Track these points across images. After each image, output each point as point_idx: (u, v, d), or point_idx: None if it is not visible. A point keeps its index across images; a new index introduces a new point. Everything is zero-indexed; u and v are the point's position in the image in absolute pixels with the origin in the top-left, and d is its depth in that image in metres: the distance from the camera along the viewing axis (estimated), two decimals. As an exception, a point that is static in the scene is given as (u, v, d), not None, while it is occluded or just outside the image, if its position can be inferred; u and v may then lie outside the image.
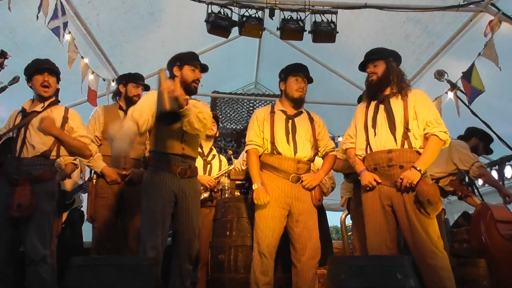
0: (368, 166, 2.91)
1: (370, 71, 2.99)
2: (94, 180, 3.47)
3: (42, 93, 3.07)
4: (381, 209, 2.82)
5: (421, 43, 4.88)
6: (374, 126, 2.91)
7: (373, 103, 2.98)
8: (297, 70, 3.20)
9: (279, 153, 3.09)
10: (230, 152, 4.58)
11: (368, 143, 2.92)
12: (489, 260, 3.10)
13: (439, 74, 3.21)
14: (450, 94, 4.48)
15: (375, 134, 2.89)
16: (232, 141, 7.02)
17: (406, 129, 2.80)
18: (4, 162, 2.96)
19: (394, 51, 3.04)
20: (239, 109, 7.40)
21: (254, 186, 2.98)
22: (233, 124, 7.38)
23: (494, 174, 5.08)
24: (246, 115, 7.37)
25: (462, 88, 3.82)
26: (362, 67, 3.06)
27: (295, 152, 3.10)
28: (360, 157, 2.99)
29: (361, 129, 3.00)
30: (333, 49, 6.16)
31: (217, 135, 4.33)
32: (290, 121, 3.18)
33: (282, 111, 3.21)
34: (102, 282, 2.04)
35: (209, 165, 4.12)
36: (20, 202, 2.80)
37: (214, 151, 4.29)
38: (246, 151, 3.16)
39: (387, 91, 2.94)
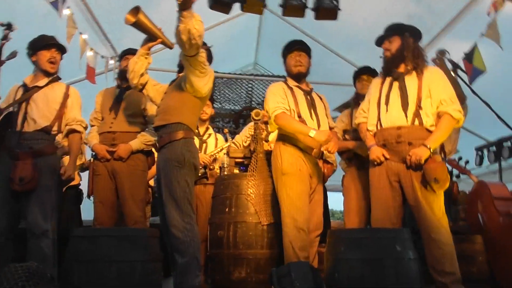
0: (377, 142, 2.92)
1: (385, 47, 2.98)
2: (92, 158, 3.50)
3: (49, 69, 3.10)
4: (388, 185, 2.84)
5: (423, 23, 4.82)
6: (386, 103, 2.90)
7: (388, 80, 2.96)
8: (292, 46, 3.20)
9: None
10: (226, 131, 4.58)
11: (379, 119, 2.92)
12: (486, 236, 3.14)
13: (441, 53, 3.23)
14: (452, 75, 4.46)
15: (386, 111, 2.89)
16: (230, 121, 7.01)
17: (419, 107, 2.80)
18: (4, 136, 2.96)
19: (413, 27, 3.00)
20: (237, 90, 7.34)
21: (312, 133, 2.85)
22: (232, 104, 7.34)
23: (492, 154, 5.10)
24: (245, 95, 7.33)
25: (463, 68, 3.80)
26: (378, 42, 3.04)
27: (318, 127, 3.10)
28: (371, 133, 2.99)
29: (374, 105, 2.99)
30: (334, 29, 6.11)
31: (212, 113, 4.33)
32: (309, 96, 3.18)
33: (298, 86, 3.19)
34: (102, 253, 2.07)
35: (204, 144, 4.14)
36: (22, 176, 2.81)
37: (211, 130, 4.31)
38: (275, 116, 3.02)
39: (402, 68, 2.92)
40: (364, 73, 3.69)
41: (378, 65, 4.85)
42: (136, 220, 3.30)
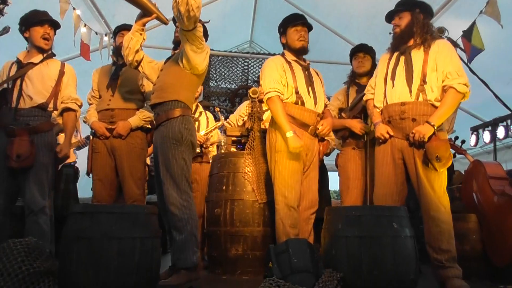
0: (383, 118, 2.91)
1: (395, 23, 2.94)
2: (91, 136, 3.49)
3: (43, 46, 3.06)
4: (391, 161, 2.85)
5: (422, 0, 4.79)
6: (392, 78, 2.88)
7: (395, 55, 2.94)
8: (295, 20, 3.13)
9: (303, 104, 3.02)
10: (217, 109, 4.57)
11: (385, 95, 2.91)
12: (480, 215, 3.17)
13: (440, 31, 3.16)
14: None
15: (393, 86, 2.87)
16: (226, 100, 6.97)
17: (423, 81, 2.76)
18: (0, 113, 2.93)
19: (423, 2, 2.94)
20: (233, 68, 7.26)
21: (288, 134, 2.84)
22: (228, 83, 7.28)
23: (487, 134, 5.12)
24: (240, 74, 7.25)
25: (462, 46, 3.78)
26: (388, 18, 3.00)
27: (315, 104, 3.07)
28: (378, 109, 2.98)
29: (381, 80, 2.97)
30: (330, 7, 6.06)
31: (199, 90, 4.31)
32: (307, 71, 3.14)
33: (296, 61, 3.13)
34: (101, 230, 2.06)
35: (196, 122, 4.13)
36: (19, 153, 2.80)
37: (200, 108, 4.30)
38: (268, 99, 2.98)
39: (410, 43, 2.89)
40: (360, 51, 3.65)
41: (374, 43, 4.81)
42: (135, 198, 3.31)
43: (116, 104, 3.40)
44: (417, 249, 2.30)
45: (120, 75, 3.45)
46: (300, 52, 3.14)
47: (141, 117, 3.38)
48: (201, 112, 4.23)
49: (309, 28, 3.17)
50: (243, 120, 4.13)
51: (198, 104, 4.28)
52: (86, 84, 3.63)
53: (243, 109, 4.25)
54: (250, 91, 3.86)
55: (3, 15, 2.95)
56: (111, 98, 3.41)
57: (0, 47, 3.02)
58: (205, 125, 4.21)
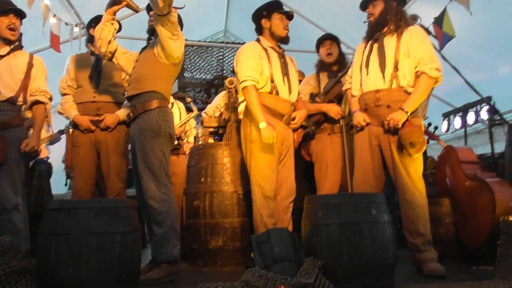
0: (360, 107, 2.96)
1: (369, 12, 2.97)
2: (71, 130, 3.39)
3: (9, 36, 2.95)
4: (368, 148, 2.89)
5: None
6: (367, 66, 2.91)
7: (369, 43, 2.97)
8: (282, 7, 3.11)
9: (277, 93, 3.00)
10: (189, 100, 4.51)
11: (361, 84, 2.94)
12: (453, 199, 3.26)
13: (412, 19, 3.19)
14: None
15: (367, 74, 2.90)
16: (201, 91, 6.91)
17: (396, 68, 2.80)
18: (-33, 108, 2.82)
19: None
20: (208, 58, 7.19)
21: (261, 125, 2.80)
22: (203, 74, 7.21)
23: (458, 120, 5.25)
24: (215, 64, 7.19)
25: (433, 33, 3.85)
26: (363, 7, 3.02)
27: (290, 93, 3.06)
28: (355, 98, 3.01)
29: (357, 69, 3.01)
30: (305, -5, 6.04)
31: None
32: (283, 59, 3.11)
33: (272, 48, 3.10)
34: (80, 225, 2.03)
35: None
36: (-12, 149, 2.70)
37: (172, 99, 4.24)
38: (243, 88, 2.93)
39: (384, 30, 2.92)
40: (327, 38, 3.67)
41: (349, 31, 4.84)
42: (118, 192, 3.28)
43: (102, 98, 3.33)
44: (395, 234, 2.35)
45: (103, 67, 3.37)
46: (283, 41, 3.12)
47: (128, 111, 3.33)
48: (172, 103, 4.16)
49: (291, 19, 3.15)
50: (219, 111, 4.09)
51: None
52: (57, 77, 3.51)
53: (220, 100, 4.20)
54: (226, 81, 3.84)
55: None
56: (96, 91, 3.33)
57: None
58: (178, 116, 4.16)
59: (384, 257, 2.23)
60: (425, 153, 4.17)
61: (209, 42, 7.44)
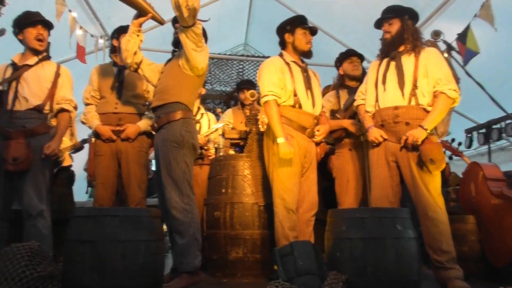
0: (376, 122, 2.95)
1: (385, 30, 2.99)
2: (93, 139, 3.44)
3: (37, 47, 3.02)
4: (385, 164, 2.88)
5: (416, 4, 4.80)
6: (383, 82, 2.92)
7: (385, 60, 2.98)
8: (306, 22, 3.14)
9: (300, 107, 3.01)
10: (219, 110, 4.59)
11: (377, 100, 2.94)
12: (478, 216, 3.20)
13: (436, 35, 3.21)
14: (445, 55, 4.48)
15: (384, 90, 2.90)
16: (221, 103, 6.97)
17: (415, 86, 2.81)
18: (-6, 115, 2.89)
19: (411, 9, 3.02)
20: (228, 70, 7.28)
21: (279, 140, 2.83)
22: (222, 86, 7.28)
23: (481, 137, 5.16)
24: (235, 76, 7.27)
25: (457, 49, 3.81)
26: (378, 25, 3.05)
27: (313, 106, 3.07)
28: (369, 114, 3.02)
29: (372, 85, 3.01)
30: (325, 10, 6.07)
31: (202, 92, 4.30)
32: (306, 73, 3.13)
33: (295, 62, 3.13)
34: (105, 233, 2.05)
35: (198, 124, 4.12)
36: (15, 156, 2.76)
37: (202, 110, 4.30)
38: (264, 102, 2.96)
39: (401, 49, 2.94)
40: (355, 55, 3.71)
41: (369, 46, 4.83)
42: (139, 201, 3.30)
43: (124, 109, 3.39)
44: (420, 251, 2.31)
45: (125, 78, 3.43)
46: (306, 55, 3.15)
47: (149, 122, 3.39)
48: (202, 114, 4.22)
49: (314, 35, 3.18)
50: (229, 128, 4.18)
51: (200, 106, 4.27)
52: (82, 87, 3.58)
53: (227, 117, 4.32)
54: (248, 94, 3.86)
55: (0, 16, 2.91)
56: (118, 102, 3.39)
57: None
58: (207, 126, 4.19)
59: (409, 274, 2.20)
60: (447, 170, 4.12)
61: (229, 55, 7.52)
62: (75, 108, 3.16)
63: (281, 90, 2.97)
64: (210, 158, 4.00)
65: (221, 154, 3.82)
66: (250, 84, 4.67)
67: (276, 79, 2.97)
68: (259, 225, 3.27)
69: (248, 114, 3.78)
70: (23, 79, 2.96)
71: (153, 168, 3.90)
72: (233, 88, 6.54)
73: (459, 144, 4.01)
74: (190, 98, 2.88)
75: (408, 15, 2.97)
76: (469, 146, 5.39)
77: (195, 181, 3.78)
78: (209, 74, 7.14)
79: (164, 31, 4.59)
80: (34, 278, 1.81)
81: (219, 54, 7.27)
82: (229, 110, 4.57)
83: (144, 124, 3.39)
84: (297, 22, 3.13)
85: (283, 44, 3.19)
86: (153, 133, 3.47)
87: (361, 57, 3.74)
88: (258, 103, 3.77)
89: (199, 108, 4.24)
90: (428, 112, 2.80)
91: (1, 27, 3.02)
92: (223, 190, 3.39)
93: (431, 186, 2.73)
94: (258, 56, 7.67)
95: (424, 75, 2.83)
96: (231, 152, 3.81)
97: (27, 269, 1.84)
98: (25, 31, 3.00)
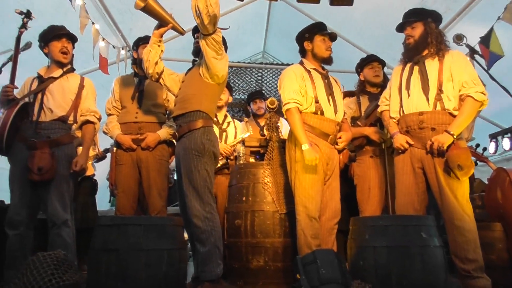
0: (401, 128, 2.91)
1: (408, 34, 2.94)
2: (115, 148, 3.50)
3: (62, 59, 3.09)
4: (411, 171, 2.83)
5: (437, 8, 4.76)
6: (407, 88, 2.88)
7: (408, 65, 2.94)
8: (324, 29, 3.13)
9: (322, 113, 3.00)
10: (246, 119, 4.60)
11: (401, 105, 2.90)
12: (506, 224, 3.11)
13: (458, 38, 3.15)
14: (468, 59, 4.40)
15: (408, 96, 2.86)
16: (240, 111, 6.98)
17: (440, 90, 2.76)
18: (20, 127, 2.96)
19: (434, 11, 2.97)
20: (247, 78, 7.31)
21: (304, 147, 2.82)
22: (242, 94, 7.31)
23: (506, 142, 5.05)
24: (254, 84, 7.30)
25: (480, 53, 3.75)
26: (400, 28, 3.00)
27: (335, 112, 3.06)
28: (394, 120, 2.98)
29: (396, 91, 2.98)
30: (344, 16, 6.05)
31: (230, 100, 4.31)
32: (327, 80, 3.12)
33: (315, 69, 3.13)
34: (129, 242, 2.07)
35: (224, 133, 4.11)
36: (40, 166, 2.81)
37: (229, 118, 4.28)
38: (286, 110, 2.97)
39: (425, 53, 2.89)
40: (376, 60, 3.67)
41: (388, 51, 4.77)
42: (160, 209, 3.33)
43: (144, 118, 3.44)
44: (446, 259, 2.26)
45: (145, 88, 3.48)
46: (326, 62, 3.15)
47: (169, 130, 3.42)
48: (229, 122, 4.21)
49: (334, 40, 3.17)
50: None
51: (227, 114, 4.28)
52: (103, 97, 3.66)
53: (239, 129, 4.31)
54: (268, 102, 3.86)
55: (26, 29, 3.00)
56: (138, 111, 3.44)
57: (22, 62, 3.04)
58: (233, 135, 4.17)
59: (435, 283, 2.16)
60: (472, 175, 4.03)
61: (248, 63, 7.56)
62: (99, 119, 3.23)
63: (302, 98, 2.98)
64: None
65: (241, 162, 3.82)
66: (261, 95, 4.69)
67: (297, 87, 2.98)
68: (280, 233, 3.24)
69: (268, 122, 3.76)
70: (48, 91, 3.03)
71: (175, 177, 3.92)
72: (244, 100, 6.57)
73: (484, 149, 3.91)
74: (210, 107, 2.90)
75: (431, 17, 2.91)
76: (495, 152, 5.27)
77: (220, 190, 3.79)
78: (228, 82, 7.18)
79: (184, 41, 4.64)
80: (60, 287, 1.84)
81: (238, 62, 7.32)
82: (244, 123, 4.58)
83: (164, 133, 3.43)
84: (316, 29, 3.13)
85: (303, 52, 3.20)
86: (174, 141, 3.51)
87: (382, 63, 3.70)
88: (277, 112, 3.77)
89: (225, 116, 4.24)
90: (454, 116, 2.73)
91: (27, 41, 3.13)
92: (244, 198, 3.39)
93: (459, 193, 2.66)
94: (277, 64, 7.69)
95: (449, 79, 2.77)
96: (251, 160, 3.80)
97: (54, 278, 1.87)
98: (50, 45, 3.08)
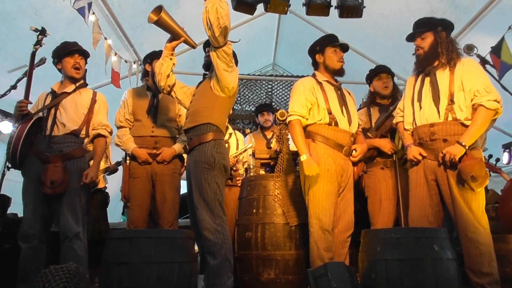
0: (414, 140, 2.90)
1: (417, 45, 2.93)
2: (128, 161, 3.52)
3: (75, 75, 3.15)
4: (425, 183, 2.80)
5: (447, 18, 4.78)
6: (419, 100, 2.87)
7: (420, 76, 2.93)
8: (335, 41, 3.15)
9: (336, 124, 3.01)
10: (248, 131, 4.63)
11: (414, 117, 2.90)
12: (521, 236, 3.06)
13: (469, 49, 3.13)
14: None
15: (420, 108, 2.85)
16: (250, 123, 7.01)
17: (451, 101, 2.73)
18: (34, 141, 3.01)
19: (444, 20, 2.94)
20: (257, 90, 7.35)
21: (303, 158, 2.86)
22: (252, 106, 7.34)
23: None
24: (264, 96, 7.33)
25: (491, 63, 3.72)
26: (410, 39, 2.99)
27: (350, 124, 3.06)
28: (408, 132, 2.97)
29: (409, 103, 2.97)
30: (354, 28, 6.06)
31: (230, 113, 4.35)
32: (339, 91, 3.13)
33: (327, 81, 3.14)
34: (141, 254, 2.08)
35: (226, 144, 4.14)
36: (53, 179, 2.85)
37: (230, 130, 4.33)
38: (288, 122, 3.03)
39: (436, 63, 2.88)
40: (384, 71, 3.66)
41: (399, 62, 4.75)
42: (171, 222, 3.36)
43: (160, 132, 3.51)
44: (459, 272, 2.22)
45: (159, 102, 3.54)
46: (338, 73, 3.16)
47: (183, 145, 3.47)
48: (230, 134, 4.26)
49: (345, 50, 3.19)
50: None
51: (228, 125, 4.32)
52: (115, 111, 3.68)
53: (248, 141, 4.36)
54: (278, 114, 3.88)
55: (41, 46, 3.06)
56: (154, 126, 3.50)
57: (36, 78, 3.11)
58: (235, 147, 4.23)
59: (449, 296, 2.11)
60: (485, 187, 3.98)
61: (258, 75, 7.60)
62: (111, 133, 3.26)
63: (308, 110, 3.01)
64: (238, 179, 4.02)
65: (252, 174, 3.83)
66: (269, 107, 4.72)
67: (304, 100, 3.00)
68: (290, 245, 3.23)
69: (278, 134, 3.78)
70: (62, 106, 3.08)
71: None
72: (252, 113, 6.60)
73: (497, 160, 3.87)
74: (221, 119, 2.92)
75: (441, 26, 2.88)
76: (508, 162, 5.21)
77: (225, 202, 3.80)
78: (238, 95, 7.22)
79: (195, 54, 4.69)
80: (72, 300, 1.85)
81: (248, 74, 7.37)
82: (250, 135, 4.62)
83: (179, 147, 3.50)
84: (326, 41, 3.16)
85: (315, 65, 3.23)
86: (184, 156, 3.54)
87: (391, 73, 3.69)
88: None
89: (227, 128, 4.28)
90: (467, 126, 2.68)
91: (41, 56, 3.20)
92: (254, 211, 3.39)
93: (474, 205, 2.61)
94: (287, 76, 7.72)
95: (460, 89, 2.73)
96: (262, 172, 3.81)
97: (65, 291, 1.88)
98: (63, 61, 3.14)
